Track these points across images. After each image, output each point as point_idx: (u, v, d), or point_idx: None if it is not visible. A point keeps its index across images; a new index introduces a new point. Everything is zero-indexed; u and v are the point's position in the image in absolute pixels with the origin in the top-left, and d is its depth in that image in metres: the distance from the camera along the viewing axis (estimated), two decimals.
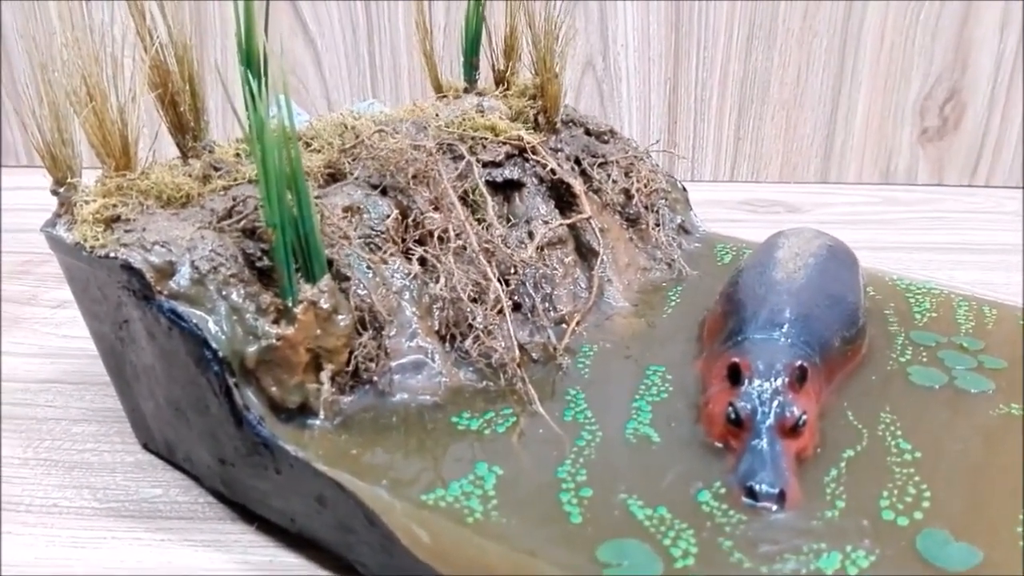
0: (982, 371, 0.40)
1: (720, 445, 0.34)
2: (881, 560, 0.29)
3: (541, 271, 0.45)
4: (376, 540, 0.32)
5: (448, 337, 0.40)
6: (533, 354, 0.41)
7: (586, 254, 0.48)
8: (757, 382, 0.34)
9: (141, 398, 0.40)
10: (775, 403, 0.33)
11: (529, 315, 0.44)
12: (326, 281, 0.35)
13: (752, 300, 0.39)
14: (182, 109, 0.41)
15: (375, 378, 0.37)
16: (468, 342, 0.40)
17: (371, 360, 0.37)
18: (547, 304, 0.44)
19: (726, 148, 0.79)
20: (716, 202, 0.76)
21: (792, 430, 0.33)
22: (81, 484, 0.41)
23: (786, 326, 0.37)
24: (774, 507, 0.31)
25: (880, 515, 0.31)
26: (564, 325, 0.44)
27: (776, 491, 0.31)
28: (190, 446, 0.39)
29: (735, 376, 0.34)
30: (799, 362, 0.34)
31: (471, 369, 0.40)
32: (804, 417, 0.33)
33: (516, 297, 0.44)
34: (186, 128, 0.41)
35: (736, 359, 0.35)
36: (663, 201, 0.55)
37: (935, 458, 0.34)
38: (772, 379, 0.34)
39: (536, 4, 0.50)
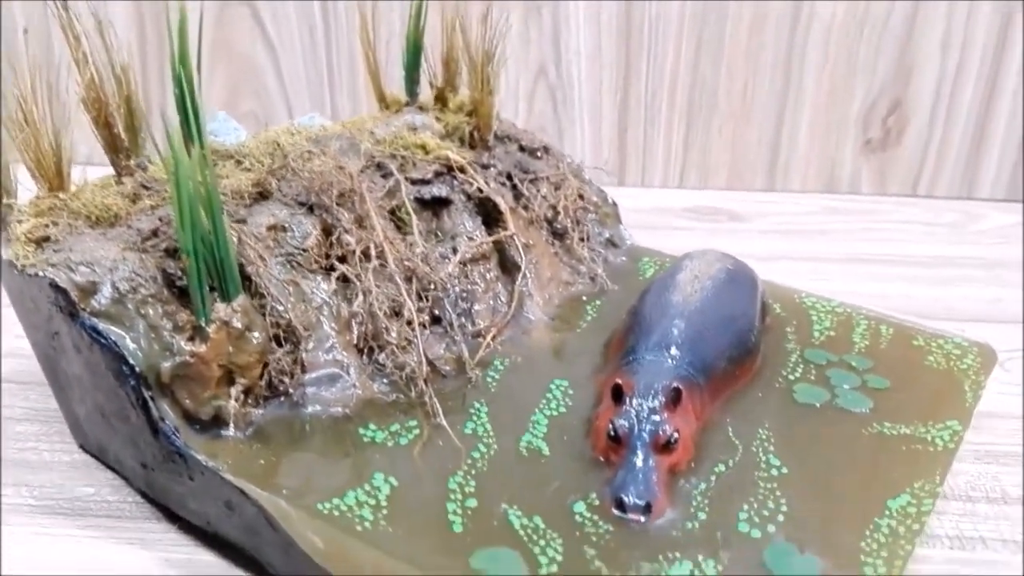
0: (864, 390, 0.42)
1: (603, 459, 0.37)
2: (728, 570, 0.32)
3: (463, 286, 0.48)
4: (279, 543, 0.35)
5: (366, 349, 0.43)
6: (445, 368, 0.44)
7: (510, 269, 0.51)
8: (636, 401, 0.36)
9: (75, 402, 0.43)
10: (650, 422, 0.36)
11: (448, 329, 0.46)
12: (239, 301, 0.38)
13: (648, 321, 0.42)
14: (116, 130, 0.43)
15: (290, 390, 0.40)
16: (383, 356, 0.42)
17: (285, 374, 0.40)
18: (465, 319, 0.47)
19: (675, 156, 0.81)
20: (663, 209, 0.78)
21: (665, 447, 0.35)
22: (20, 482, 0.43)
23: (673, 348, 0.39)
24: (641, 518, 0.34)
25: (736, 527, 0.34)
26: (481, 338, 0.46)
27: (643, 503, 0.34)
28: (118, 449, 0.41)
29: (618, 395, 0.37)
30: (675, 384, 0.37)
31: (385, 381, 0.42)
32: (676, 435, 0.36)
33: (437, 311, 0.46)
34: (120, 148, 0.43)
35: (619, 380, 0.37)
36: (593, 215, 0.57)
37: (800, 474, 0.37)
38: (650, 399, 0.36)
39: (473, 25, 0.52)
